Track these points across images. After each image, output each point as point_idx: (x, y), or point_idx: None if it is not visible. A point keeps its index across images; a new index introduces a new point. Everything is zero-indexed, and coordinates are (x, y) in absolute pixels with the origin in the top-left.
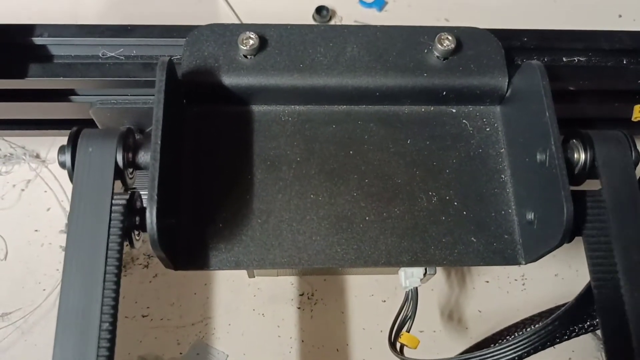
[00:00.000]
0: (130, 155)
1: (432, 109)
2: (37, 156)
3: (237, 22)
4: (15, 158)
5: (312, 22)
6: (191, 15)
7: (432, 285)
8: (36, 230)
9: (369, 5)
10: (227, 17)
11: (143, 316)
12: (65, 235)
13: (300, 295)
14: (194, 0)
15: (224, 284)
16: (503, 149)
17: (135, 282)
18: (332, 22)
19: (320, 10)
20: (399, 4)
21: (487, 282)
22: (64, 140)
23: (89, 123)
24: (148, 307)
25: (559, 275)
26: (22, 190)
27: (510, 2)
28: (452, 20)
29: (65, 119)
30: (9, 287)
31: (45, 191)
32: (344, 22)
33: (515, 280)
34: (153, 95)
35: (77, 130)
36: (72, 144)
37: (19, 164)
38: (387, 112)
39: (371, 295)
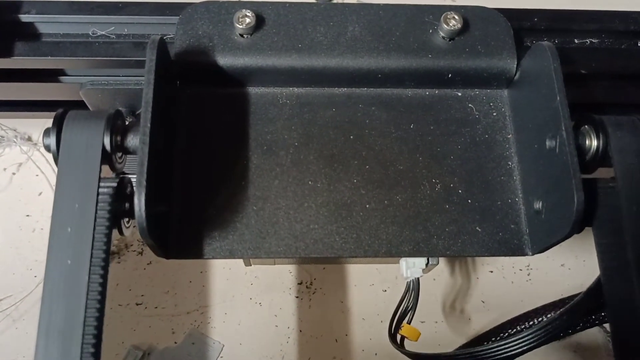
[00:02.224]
0: (118, 138)
1: (436, 92)
2: (29, 139)
3: None
4: (7, 141)
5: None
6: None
7: (434, 275)
8: (27, 215)
9: None
10: None
11: (137, 304)
12: None
13: (298, 284)
14: None
15: (220, 272)
16: (510, 135)
17: (129, 269)
18: (335, 1)
19: None
20: None
21: (491, 272)
22: None
23: (80, 104)
24: (142, 295)
25: (565, 266)
26: (13, 174)
27: None
28: (459, 1)
29: (56, 101)
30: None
31: (37, 175)
32: (347, 1)
33: (520, 270)
34: (145, 66)
35: (63, 111)
36: (58, 126)
37: (10, 146)
38: (389, 95)
39: (371, 285)
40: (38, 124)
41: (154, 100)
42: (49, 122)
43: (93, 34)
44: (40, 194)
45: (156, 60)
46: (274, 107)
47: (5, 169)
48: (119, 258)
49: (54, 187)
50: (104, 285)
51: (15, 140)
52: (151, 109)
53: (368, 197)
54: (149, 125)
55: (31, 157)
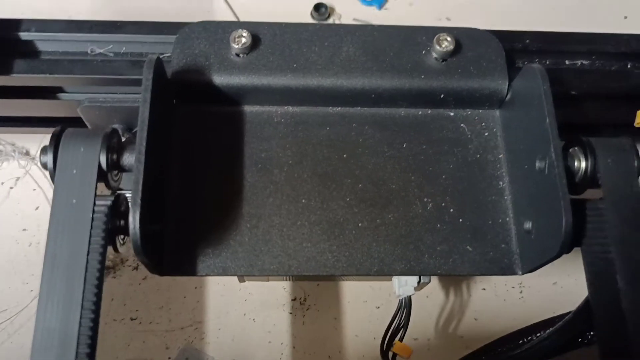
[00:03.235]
0: (114, 156)
1: (429, 112)
2: (27, 153)
3: (233, 18)
4: (5, 155)
5: (310, 20)
6: (187, 10)
7: (427, 292)
8: (24, 230)
9: (369, 3)
10: (223, 13)
11: (132, 319)
12: None
13: (292, 300)
14: None
15: (215, 287)
16: (502, 155)
17: (125, 284)
18: (331, 20)
19: (318, 7)
20: (399, 2)
21: (484, 289)
22: None
23: (78, 121)
24: (137, 310)
25: (558, 284)
26: (11, 188)
27: (514, 1)
28: (454, 20)
29: (54, 117)
30: None
31: (34, 189)
32: (343, 20)
33: (513, 288)
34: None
35: (60, 129)
36: (55, 144)
37: (8, 161)
38: (383, 115)
39: (365, 302)
40: (36, 139)
41: (150, 119)
42: (47, 137)
43: (91, 52)
44: (37, 208)
45: (152, 79)
46: (269, 126)
47: (2, 183)
48: (115, 273)
49: (51, 202)
50: (98, 301)
51: (13, 154)
52: (147, 127)
53: (361, 215)
54: (144, 144)
55: (29, 171)
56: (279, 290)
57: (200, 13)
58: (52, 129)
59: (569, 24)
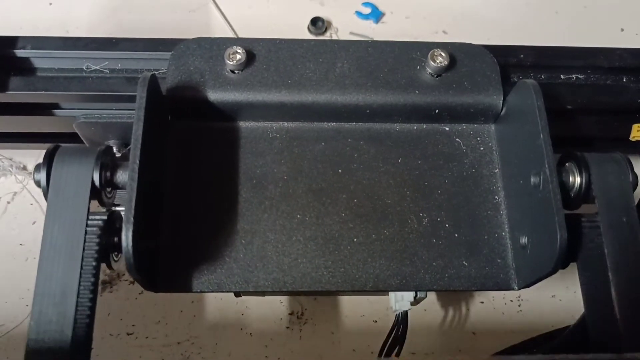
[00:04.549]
0: (108, 174)
1: (424, 126)
2: (24, 168)
3: (231, 32)
4: (2, 170)
5: (308, 34)
6: (185, 24)
7: (425, 306)
8: (21, 244)
9: (366, 17)
10: (221, 29)
11: (128, 334)
12: None
13: (289, 314)
14: (188, 11)
15: (211, 302)
16: (497, 169)
17: (121, 299)
18: (328, 34)
19: (315, 21)
20: (396, 15)
21: (482, 302)
22: None
23: (74, 136)
24: (133, 325)
25: (556, 297)
26: (8, 202)
27: (511, 13)
28: (451, 33)
29: (50, 133)
30: None
31: (32, 204)
32: (340, 34)
33: (511, 301)
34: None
35: (53, 147)
36: (48, 162)
37: (6, 175)
38: (377, 130)
39: (362, 316)
40: (34, 154)
41: (143, 136)
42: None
43: (87, 68)
44: (34, 222)
45: (146, 97)
46: (264, 141)
47: (0, 198)
48: (111, 287)
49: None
50: (91, 318)
51: (10, 169)
52: (140, 145)
53: (356, 231)
54: (137, 162)
55: (26, 186)
56: (276, 304)
57: (198, 27)
58: (48, 144)
59: (565, 36)
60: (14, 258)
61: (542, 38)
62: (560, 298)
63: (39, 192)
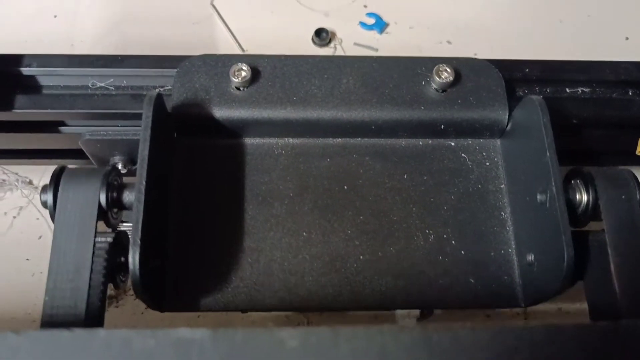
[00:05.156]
0: (114, 194)
1: (430, 142)
2: (30, 182)
3: (235, 45)
4: (8, 184)
5: (312, 45)
6: (189, 38)
7: (430, 319)
8: (27, 259)
9: (370, 28)
10: (225, 41)
11: None
12: None
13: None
14: (192, 23)
15: (217, 316)
16: (503, 185)
17: (127, 314)
18: (332, 45)
19: (319, 32)
20: (400, 26)
21: (488, 316)
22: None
23: (79, 153)
24: None
25: (563, 310)
26: (14, 217)
27: (515, 22)
28: (455, 43)
29: (56, 149)
30: None
31: (37, 219)
32: (344, 45)
33: (518, 314)
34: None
35: (60, 169)
36: (55, 183)
37: (12, 190)
38: (383, 145)
39: None
40: (39, 168)
41: (149, 157)
42: (50, 166)
43: (92, 85)
44: (40, 237)
45: (152, 116)
46: (270, 158)
47: (6, 213)
48: (117, 302)
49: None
50: None
51: (16, 184)
52: (147, 166)
53: (362, 248)
54: (144, 183)
55: (32, 200)
56: (281, 318)
57: (202, 39)
58: (53, 161)
59: (570, 45)
60: (21, 273)
61: (547, 47)
62: (567, 311)
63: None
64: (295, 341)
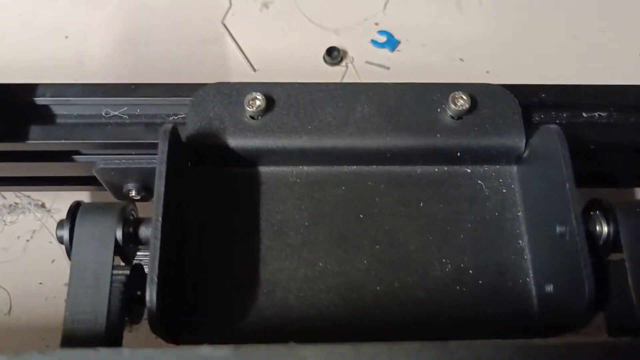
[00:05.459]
0: (130, 229)
1: (445, 169)
2: (43, 205)
3: (246, 64)
4: (21, 208)
5: (323, 64)
6: (200, 57)
7: None
8: (40, 283)
9: (381, 46)
10: (236, 59)
11: None
12: None
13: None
14: (203, 42)
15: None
16: (520, 212)
17: (142, 339)
18: (343, 64)
19: (331, 51)
20: (412, 43)
21: None
22: (69, 189)
23: (93, 180)
24: None
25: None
26: (27, 241)
27: (528, 39)
28: (467, 60)
29: (69, 177)
30: (12, 342)
31: (50, 242)
32: (355, 63)
33: None
34: (157, 155)
35: (76, 204)
36: (71, 219)
37: (24, 213)
38: (398, 173)
39: None
40: (52, 192)
41: (165, 192)
42: (63, 192)
43: (106, 114)
44: (53, 261)
45: (168, 150)
46: (284, 186)
47: (19, 237)
48: (131, 327)
49: (66, 255)
50: None
51: (29, 207)
52: (163, 202)
53: (378, 278)
54: (160, 219)
55: (45, 224)
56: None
57: (213, 58)
58: (67, 187)
59: (584, 61)
60: (34, 297)
61: (560, 64)
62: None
63: None
64: (317, 359)
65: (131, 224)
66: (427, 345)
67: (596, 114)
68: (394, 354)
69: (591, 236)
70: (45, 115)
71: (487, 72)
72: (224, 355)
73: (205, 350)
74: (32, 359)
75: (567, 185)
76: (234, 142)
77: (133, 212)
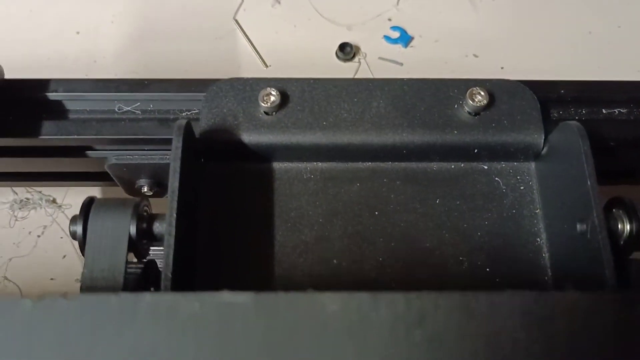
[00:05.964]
0: (144, 225)
1: (462, 165)
2: (54, 201)
3: (258, 60)
4: (32, 203)
5: (335, 59)
6: (212, 53)
7: None
8: (52, 279)
9: (394, 41)
10: (248, 55)
11: None
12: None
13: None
14: (214, 38)
15: None
16: (538, 210)
17: None
18: (356, 59)
19: (343, 47)
20: (425, 39)
21: None
22: (81, 184)
23: (105, 175)
24: None
25: None
26: (38, 236)
27: (542, 35)
28: (481, 56)
29: (80, 172)
30: None
31: (62, 237)
32: (368, 59)
33: None
34: (170, 150)
35: (89, 200)
36: (85, 214)
37: (35, 209)
38: (414, 169)
39: None
40: (63, 187)
41: (180, 189)
42: (75, 187)
43: (119, 110)
44: (64, 256)
45: (182, 146)
46: (299, 182)
47: (30, 233)
48: None
49: (78, 250)
50: None
51: (40, 202)
52: (177, 198)
53: (393, 275)
54: (175, 215)
55: (56, 219)
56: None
57: (225, 54)
58: (78, 183)
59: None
60: (45, 292)
61: (576, 60)
62: None
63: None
64: (336, 305)
65: (145, 220)
66: (444, 295)
67: (616, 110)
68: (411, 302)
69: (613, 234)
70: (57, 111)
71: (502, 68)
72: (243, 301)
73: (226, 296)
74: (56, 303)
75: (589, 182)
76: (248, 138)
77: (147, 208)
